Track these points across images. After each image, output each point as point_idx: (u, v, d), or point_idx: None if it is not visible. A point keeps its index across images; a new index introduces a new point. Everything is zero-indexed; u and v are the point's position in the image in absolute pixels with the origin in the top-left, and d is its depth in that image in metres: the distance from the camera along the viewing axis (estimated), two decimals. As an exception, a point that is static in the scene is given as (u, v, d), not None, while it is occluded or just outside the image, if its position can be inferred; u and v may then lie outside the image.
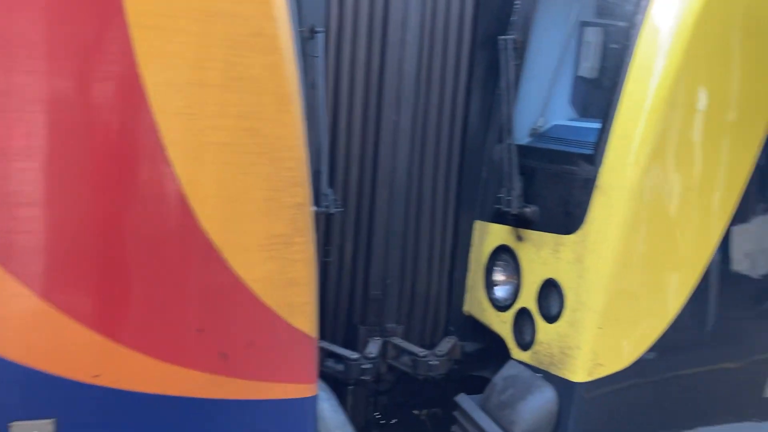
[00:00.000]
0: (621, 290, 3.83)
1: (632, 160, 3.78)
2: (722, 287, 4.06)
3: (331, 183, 3.96)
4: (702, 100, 3.90)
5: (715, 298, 4.05)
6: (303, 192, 3.18)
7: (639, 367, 3.91)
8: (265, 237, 3.11)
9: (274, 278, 3.17)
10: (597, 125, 3.99)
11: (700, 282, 3.95)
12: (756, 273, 4.25)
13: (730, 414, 4.32)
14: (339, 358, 4.15)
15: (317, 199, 3.58)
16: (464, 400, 4.35)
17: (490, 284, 4.52)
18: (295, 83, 3.09)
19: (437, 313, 4.71)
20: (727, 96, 3.97)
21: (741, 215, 4.04)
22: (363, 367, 4.17)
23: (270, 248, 3.13)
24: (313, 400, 3.36)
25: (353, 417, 4.17)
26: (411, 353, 4.40)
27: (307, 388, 3.34)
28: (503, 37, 4.23)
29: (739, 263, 4.13)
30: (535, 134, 4.59)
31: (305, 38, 3.69)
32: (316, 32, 3.75)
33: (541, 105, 4.63)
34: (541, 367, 4.08)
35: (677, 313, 3.93)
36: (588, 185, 3.93)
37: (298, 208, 3.17)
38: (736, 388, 4.24)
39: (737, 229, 4.04)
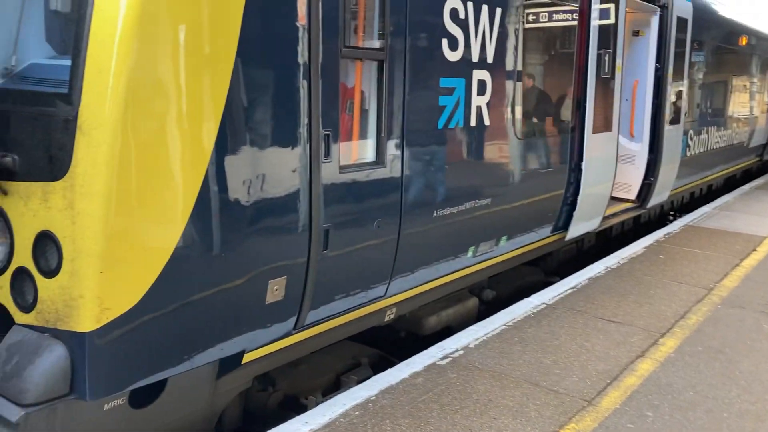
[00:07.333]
0: (118, 230, 3.74)
1: (110, 95, 3.66)
2: (221, 212, 4.24)
3: None
4: (175, 32, 3.93)
5: (215, 223, 4.21)
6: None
7: (149, 300, 3.91)
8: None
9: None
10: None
11: (195, 210, 4.07)
12: (254, 197, 4.49)
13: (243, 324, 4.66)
14: None
15: None
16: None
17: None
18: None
19: None
20: (200, 26, 4.07)
21: (223, 145, 4.19)
22: None
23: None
24: None
25: None
26: None
27: None
28: None
29: (235, 190, 4.35)
30: (9, 75, 4.12)
31: None
32: None
33: (12, 43, 4.17)
34: (48, 325, 3.81)
35: (177, 241, 4.01)
36: (69, 126, 3.70)
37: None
38: (242, 300, 4.56)
39: (227, 159, 4.24)
